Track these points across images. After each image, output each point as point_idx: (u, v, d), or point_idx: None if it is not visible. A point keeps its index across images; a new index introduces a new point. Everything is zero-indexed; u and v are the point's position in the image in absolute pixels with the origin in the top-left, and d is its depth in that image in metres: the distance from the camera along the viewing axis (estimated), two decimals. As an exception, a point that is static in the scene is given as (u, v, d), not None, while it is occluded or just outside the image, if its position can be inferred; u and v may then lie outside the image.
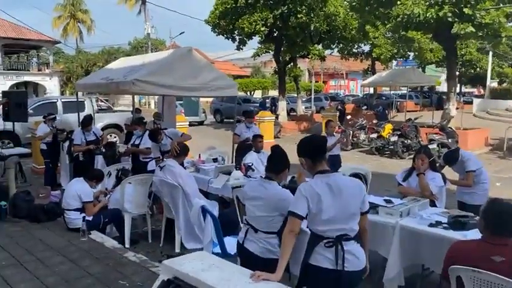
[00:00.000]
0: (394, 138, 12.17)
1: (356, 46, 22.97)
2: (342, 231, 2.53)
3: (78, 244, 4.63)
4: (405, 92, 31.40)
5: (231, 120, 23.13)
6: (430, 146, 11.78)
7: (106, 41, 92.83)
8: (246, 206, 3.24)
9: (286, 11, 16.26)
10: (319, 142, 2.72)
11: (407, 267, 3.75)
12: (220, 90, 8.22)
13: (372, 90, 27.85)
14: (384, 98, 29.61)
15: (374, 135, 12.87)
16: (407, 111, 20.83)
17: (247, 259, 3.10)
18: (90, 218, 4.98)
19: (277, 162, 3.13)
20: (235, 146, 7.73)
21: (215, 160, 6.77)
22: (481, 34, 12.52)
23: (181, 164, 5.43)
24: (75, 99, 13.65)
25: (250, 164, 6.24)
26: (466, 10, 11.29)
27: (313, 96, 28.05)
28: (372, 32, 20.70)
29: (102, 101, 17.98)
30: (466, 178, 5.03)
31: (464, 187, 5.09)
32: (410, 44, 24.01)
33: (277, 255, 3.07)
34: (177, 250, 5.13)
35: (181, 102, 19.31)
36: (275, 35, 18.34)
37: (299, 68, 23.98)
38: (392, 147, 12.44)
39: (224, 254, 4.01)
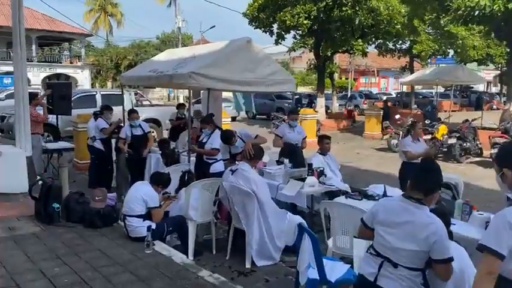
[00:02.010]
0: (452, 141, 11.28)
1: (400, 42, 21.84)
2: None
3: (144, 258, 4.07)
4: (442, 90, 30.14)
5: (264, 116, 22.78)
6: (494, 151, 10.93)
7: (134, 33, 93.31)
8: (376, 231, 2.56)
9: (330, 3, 15.45)
10: None
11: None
12: (277, 85, 7.61)
13: (405, 89, 26.64)
14: (420, 96, 28.33)
15: (428, 137, 12.02)
16: (445, 111, 19.68)
17: None
18: (154, 226, 4.42)
19: (429, 180, 2.42)
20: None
21: (279, 162, 6.12)
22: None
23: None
24: (114, 93, 13.41)
25: (322, 169, 5.58)
26: (538, 2, 10.35)
27: (349, 93, 27.10)
28: (417, 27, 19.62)
29: (137, 94, 17.61)
30: None
31: None
32: (453, 40, 22.83)
33: None
34: (248, 266, 4.56)
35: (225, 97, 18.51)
36: (316, 28, 17.55)
37: (335, 64, 23.11)
38: (446, 149, 11.58)
39: (323, 281, 3.40)
